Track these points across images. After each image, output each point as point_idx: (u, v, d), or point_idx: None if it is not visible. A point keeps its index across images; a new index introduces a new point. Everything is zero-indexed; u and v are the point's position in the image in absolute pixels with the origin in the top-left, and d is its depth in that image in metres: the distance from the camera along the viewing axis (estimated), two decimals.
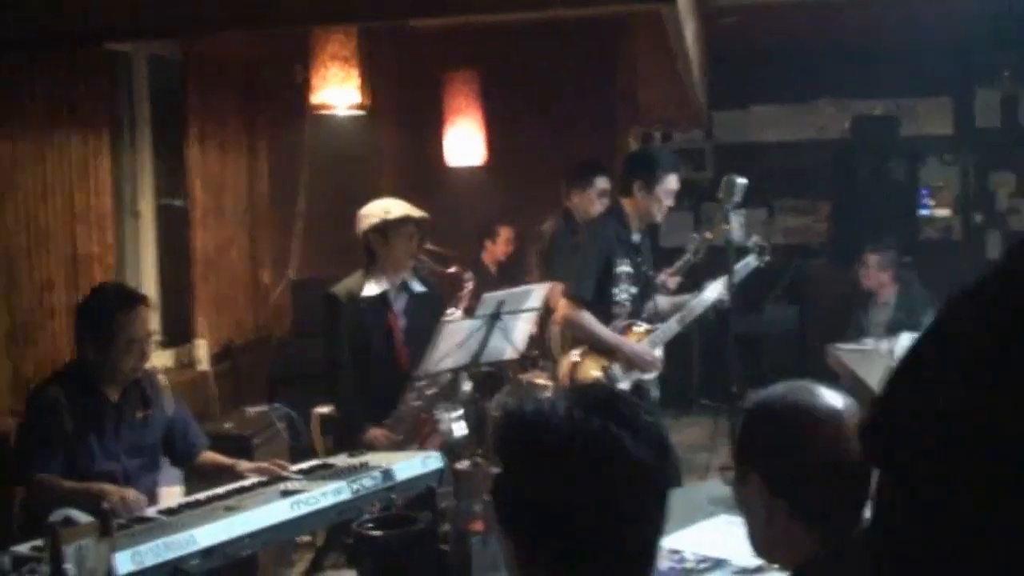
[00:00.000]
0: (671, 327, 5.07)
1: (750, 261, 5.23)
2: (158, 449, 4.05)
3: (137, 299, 3.91)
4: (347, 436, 4.64)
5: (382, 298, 4.77)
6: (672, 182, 5.01)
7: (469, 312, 4.78)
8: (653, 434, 1.55)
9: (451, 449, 4.52)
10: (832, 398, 1.93)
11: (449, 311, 4.80)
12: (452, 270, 5.09)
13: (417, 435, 4.62)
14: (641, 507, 1.54)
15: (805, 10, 8.51)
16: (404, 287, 4.84)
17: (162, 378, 4.15)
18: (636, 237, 5.09)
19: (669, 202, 5.05)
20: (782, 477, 1.89)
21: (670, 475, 1.60)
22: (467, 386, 5.05)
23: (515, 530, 1.56)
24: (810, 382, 2.00)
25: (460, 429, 4.69)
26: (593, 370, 4.94)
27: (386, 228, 4.70)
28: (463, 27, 6.62)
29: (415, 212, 4.76)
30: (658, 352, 5.06)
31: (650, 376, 5.08)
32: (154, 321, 5.82)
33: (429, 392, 4.62)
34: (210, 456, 4.20)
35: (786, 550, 1.94)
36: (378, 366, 4.75)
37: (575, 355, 4.94)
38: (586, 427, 1.51)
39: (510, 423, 1.59)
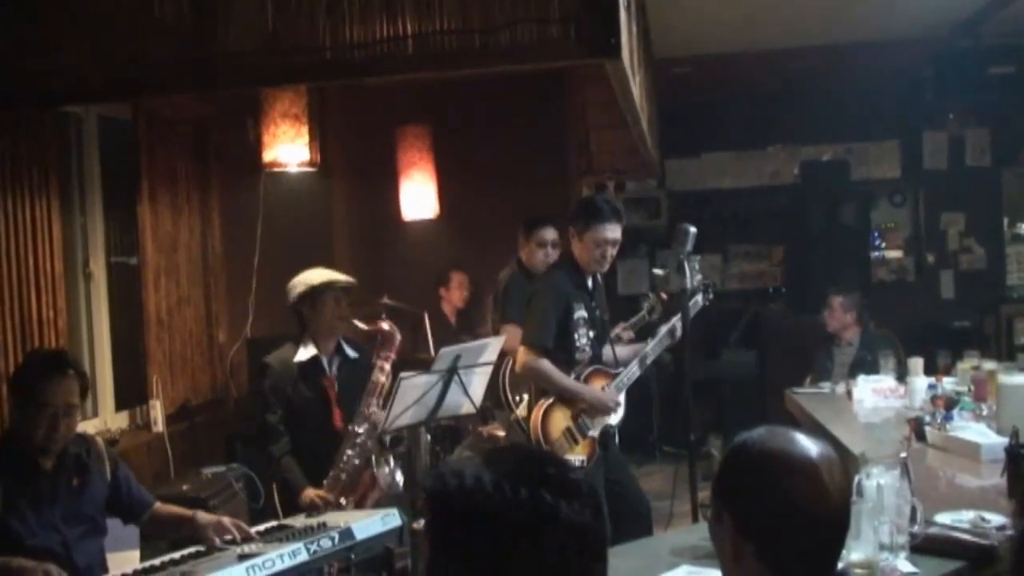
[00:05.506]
0: (632, 371, 5.16)
1: (698, 300, 5.30)
2: (101, 515, 3.89)
3: (58, 366, 3.72)
4: (285, 498, 4.69)
5: (315, 363, 4.89)
6: (601, 232, 4.96)
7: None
8: (584, 492, 1.50)
9: (392, 502, 4.48)
10: (809, 447, 1.92)
11: (377, 364, 4.80)
12: (386, 327, 4.99)
13: (355, 491, 4.61)
14: (588, 571, 1.50)
15: (754, 59, 8.65)
16: (338, 352, 4.96)
17: (100, 442, 4.03)
18: (589, 282, 5.13)
19: (597, 252, 5.00)
20: (750, 519, 1.90)
21: (606, 531, 1.55)
22: (426, 439, 5.03)
23: None
24: (790, 429, 2.00)
25: (399, 482, 4.68)
26: (563, 421, 5.00)
27: (312, 295, 4.86)
28: (414, 82, 6.64)
29: (339, 278, 4.93)
30: (621, 396, 5.13)
31: (615, 420, 5.14)
32: (106, 382, 5.83)
33: (368, 445, 4.62)
34: (166, 509, 4.08)
35: None
36: (314, 428, 4.81)
37: (544, 405, 4.96)
38: (518, 500, 1.44)
39: (438, 505, 1.50)
